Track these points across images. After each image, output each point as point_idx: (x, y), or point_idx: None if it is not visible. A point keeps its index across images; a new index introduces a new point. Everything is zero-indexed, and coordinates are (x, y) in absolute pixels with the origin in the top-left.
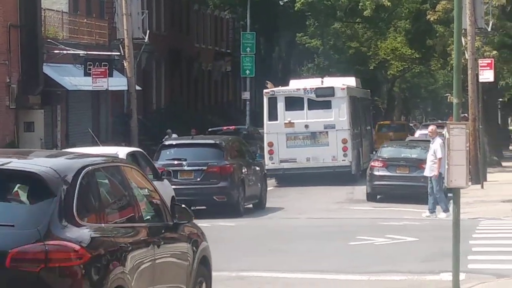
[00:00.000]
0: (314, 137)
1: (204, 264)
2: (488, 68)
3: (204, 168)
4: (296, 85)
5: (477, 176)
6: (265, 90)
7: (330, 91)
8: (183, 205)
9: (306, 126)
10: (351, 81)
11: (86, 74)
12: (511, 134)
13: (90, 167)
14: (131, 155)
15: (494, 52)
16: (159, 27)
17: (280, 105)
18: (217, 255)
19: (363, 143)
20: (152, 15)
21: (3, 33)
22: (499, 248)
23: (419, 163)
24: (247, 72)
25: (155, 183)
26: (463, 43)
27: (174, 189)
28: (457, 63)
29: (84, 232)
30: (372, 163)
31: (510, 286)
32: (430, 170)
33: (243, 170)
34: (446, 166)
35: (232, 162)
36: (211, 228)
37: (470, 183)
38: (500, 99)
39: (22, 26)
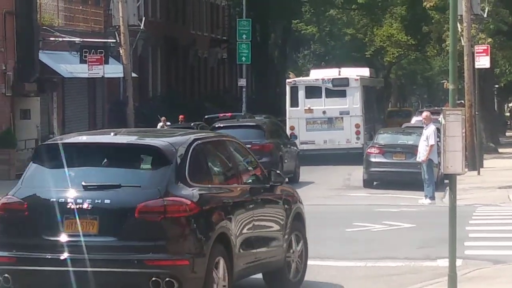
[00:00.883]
0: (330, 122)
1: (298, 219)
2: (484, 54)
3: (248, 146)
4: (315, 75)
5: (473, 162)
6: (287, 80)
7: (345, 81)
8: (277, 171)
9: (324, 112)
10: (365, 71)
11: (82, 61)
12: (507, 120)
13: (199, 141)
14: None
15: (490, 39)
16: (154, 14)
17: (301, 93)
18: None
19: (375, 127)
20: (148, 2)
21: None
22: (496, 234)
23: (415, 150)
24: (243, 59)
25: None
26: (459, 30)
27: None
28: (453, 49)
29: (194, 191)
30: (369, 150)
31: (506, 272)
32: (422, 155)
33: (281, 148)
34: (442, 152)
35: (272, 141)
36: None
37: (466, 169)
38: (497, 86)
39: (17, 13)
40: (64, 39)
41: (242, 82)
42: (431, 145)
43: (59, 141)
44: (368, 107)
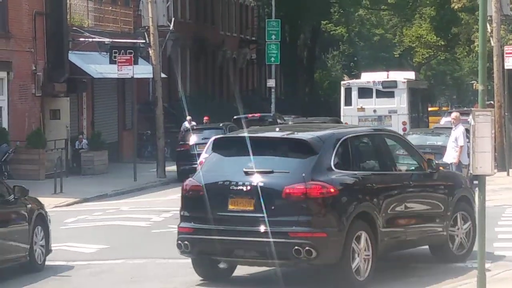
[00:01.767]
0: (380, 120)
1: (466, 202)
2: None
3: None
4: (367, 78)
5: (503, 163)
6: (342, 82)
7: (394, 83)
8: (433, 160)
9: (374, 111)
10: (411, 75)
11: (112, 61)
12: None
13: (347, 136)
14: None
15: None
16: (184, 15)
17: (354, 94)
18: None
19: (420, 125)
20: (177, 2)
21: (28, 21)
22: None
23: (444, 150)
24: (272, 59)
25: None
26: (488, 31)
27: None
28: (482, 50)
29: (337, 177)
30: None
31: None
32: (451, 156)
33: None
34: (471, 153)
35: None
36: None
37: (495, 170)
38: None
39: (47, 14)
40: (93, 39)
41: (271, 82)
42: (461, 146)
43: (230, 135)
44: (414, 107)
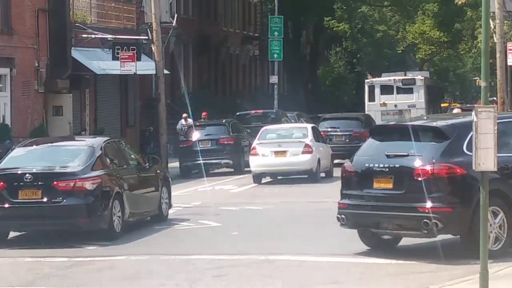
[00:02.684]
0: (401, 113)
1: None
2: None
3: (350, 133)
4: (387, 77)
5: None
6: (366, 80)
7: (413, 81)
8: None
9: (395, 106)
10: (426, 74)
11: (114, 58)
12: None
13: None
14: None
15: None
16: (187, 11)
17: (377, 91)
18: (245, 239)
19: None
20: None
21: (31, 17)
22: None
23: None
24: (275, 56)
25: (321, 144)
26: (492, 27)
27: (331, 147)
28: (485, 46)
29: (464, 159)
30: None
31: None
32: None
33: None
34: (474, 149)
35: (368, 130)
36: (240, 212)
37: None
38: None
39: (50, 10)
40: (96, 36)
41: (274, 79)
42: None
43: (382, 124)
44: (430, 101)
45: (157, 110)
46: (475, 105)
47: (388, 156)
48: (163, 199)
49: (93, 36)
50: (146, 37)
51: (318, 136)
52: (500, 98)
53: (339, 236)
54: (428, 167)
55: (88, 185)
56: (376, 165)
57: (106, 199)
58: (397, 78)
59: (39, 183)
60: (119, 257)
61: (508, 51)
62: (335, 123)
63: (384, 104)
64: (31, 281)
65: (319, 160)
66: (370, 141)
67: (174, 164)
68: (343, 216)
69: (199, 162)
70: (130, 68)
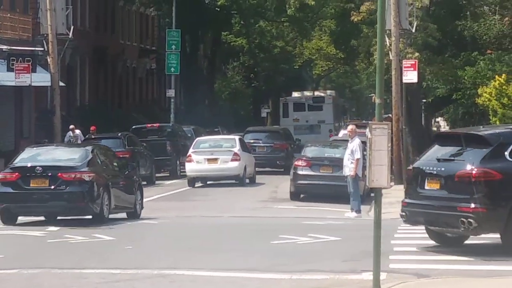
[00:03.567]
0: (311, 128)
1: None
2: (412, 69)
3: (271, 145)
4: (298, 95)
5: (400, 176)
6: (281, 98)
7: (322, 99)
8: None
9: (307, 121)
10: (332, 92)
11: (9, 69)
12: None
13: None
14: None
15: (417, 54)
16: (83, 23)
17: (290, 108)
18: (139, 253)
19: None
20: (77, 10)
21: None
22: (420, 248)
23: (342, 163)
24: (172, 69)
25: (246, 153)
26: (388, 44)
27: (254, 157)
28: (380, 63)
29: (503, 165)
30: (296, 162)
31: (430, 286)
32: (347, 169)
33: (291, 147)
34: (368, 166)
35: (287, 143)
36: (134, 226)
37: (392, 183)
38: (424, 100)
39: None
40: None
41: (171, 92)
42: (357, 159)
43: (442, 131)
44: (337, 117)
45: (52, 122)
46: (369, 122)
47: (438, 160)
48: (137, 201)
49: None
50: (42, 49)
51: (244, 146)
52: (395, 115)
53: (236, 251)
54: (467, 171)
55: (86, 177)
56: (429, 168)
57: (98, 190)
58: (307, 96)
59: (48, 174)
60: (10, 271)
61: (403, 68)
62: (258, 135)
63: (297, 120)
64: None
65: (245, 167)
66: (434, 146)
67: None
68: (403, 213)
69: None
70: (25, 79)
